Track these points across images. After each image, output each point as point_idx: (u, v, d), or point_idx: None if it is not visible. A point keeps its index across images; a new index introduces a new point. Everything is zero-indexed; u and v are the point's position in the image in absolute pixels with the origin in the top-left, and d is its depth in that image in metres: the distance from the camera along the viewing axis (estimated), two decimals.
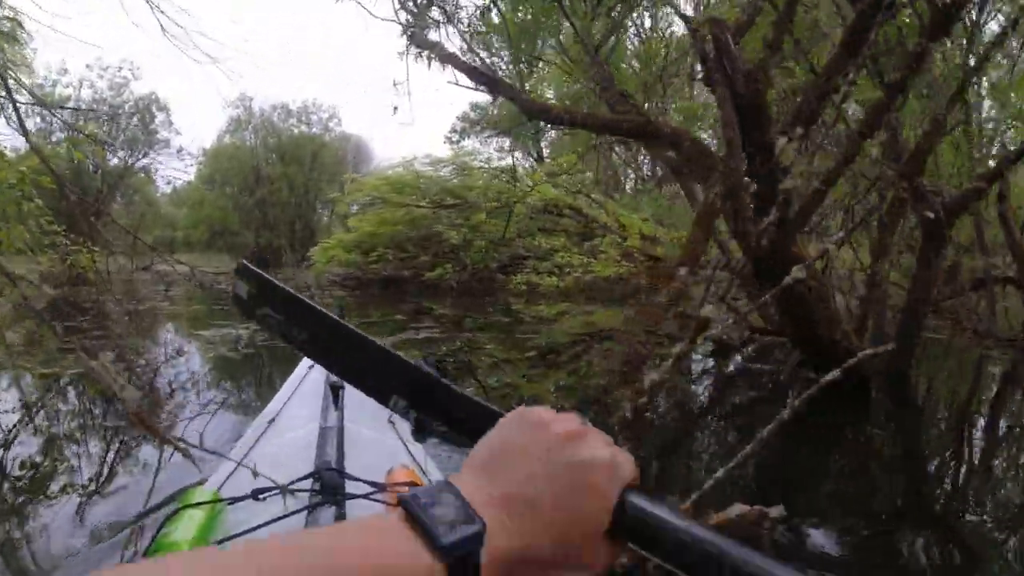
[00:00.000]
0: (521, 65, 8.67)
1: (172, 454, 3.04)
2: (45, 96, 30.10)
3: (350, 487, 0.95)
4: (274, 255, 36.35)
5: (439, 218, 15.23)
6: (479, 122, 37.11)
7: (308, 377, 1.99)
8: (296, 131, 38.06)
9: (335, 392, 1.47)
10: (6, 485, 2.93)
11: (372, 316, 10.07)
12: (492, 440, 0.43)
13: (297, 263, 32.81)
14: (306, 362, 2.14)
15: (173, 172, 35.93)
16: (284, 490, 0.92)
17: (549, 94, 19.13)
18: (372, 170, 36.65)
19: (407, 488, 0.85)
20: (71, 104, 30.58)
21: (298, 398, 1.81)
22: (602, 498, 0.40)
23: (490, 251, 14.66)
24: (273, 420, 1.61)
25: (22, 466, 3.15)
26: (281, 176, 36.79)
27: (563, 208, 16.91)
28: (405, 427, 1.21)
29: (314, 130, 38.31)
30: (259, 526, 0.81)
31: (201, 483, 1.26)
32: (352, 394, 1.40)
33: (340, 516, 0.88)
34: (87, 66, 31.42)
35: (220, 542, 0.82)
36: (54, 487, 2.83)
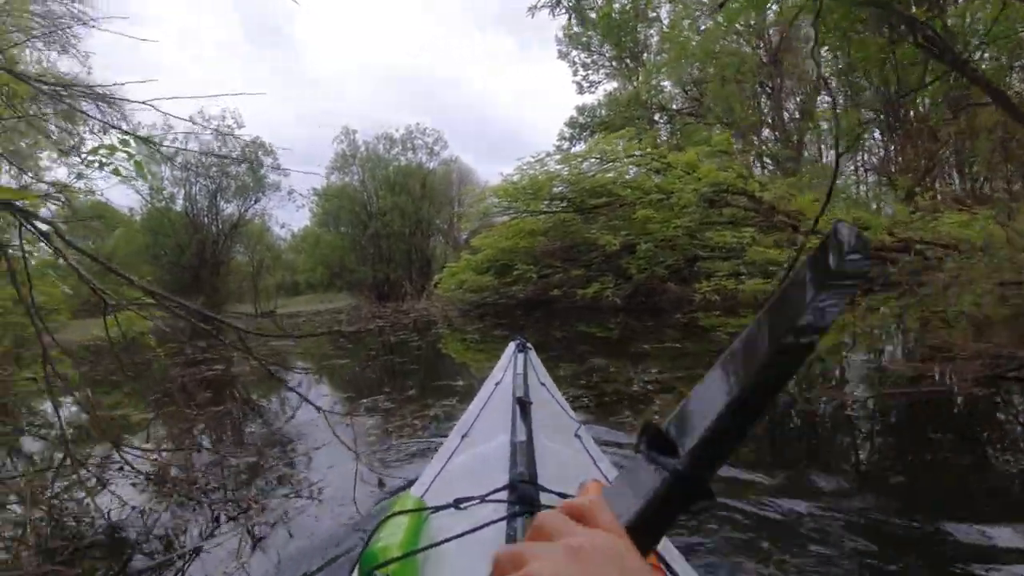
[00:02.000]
0: None
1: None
2: (152, 154, 30.57)
3: (544, 499, 0.95)
4: (392, 288, 35.15)
5: (588, 222, 12.46)
6: (588, 126, 34.78)
7: (495, 393, 2.00)
8: (402, 160, 36.92)
9: (523, 407, 1.50)
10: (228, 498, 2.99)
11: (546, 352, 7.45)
12: None
13: (417, 293, 31.16)
14: (493, 379, 2.22)
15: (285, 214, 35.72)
16: (483, 500, 0.94)
17: None
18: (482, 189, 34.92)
19: None
20: (179, 161, 30.93)
21: (488, 413, 1.82)
22: None
23: (657, 255, 11.66)
24: (466, 434, 1.63)
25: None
26: (392, 208, 35.70)
27: (732, 194, 13.70)
28: (592, 442, 1.66)
29: (420, 156, 36.99)
30: (462, 534, 0.83)
31: (405, 491, 1.24)
32: (539, 410, 1.57)
33: None
34: (189, 119, 31.55)
35: (426, 548, 0.84)
36: (280, 497, 2.99)
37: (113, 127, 4.77)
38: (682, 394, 4.01)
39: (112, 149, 4.78)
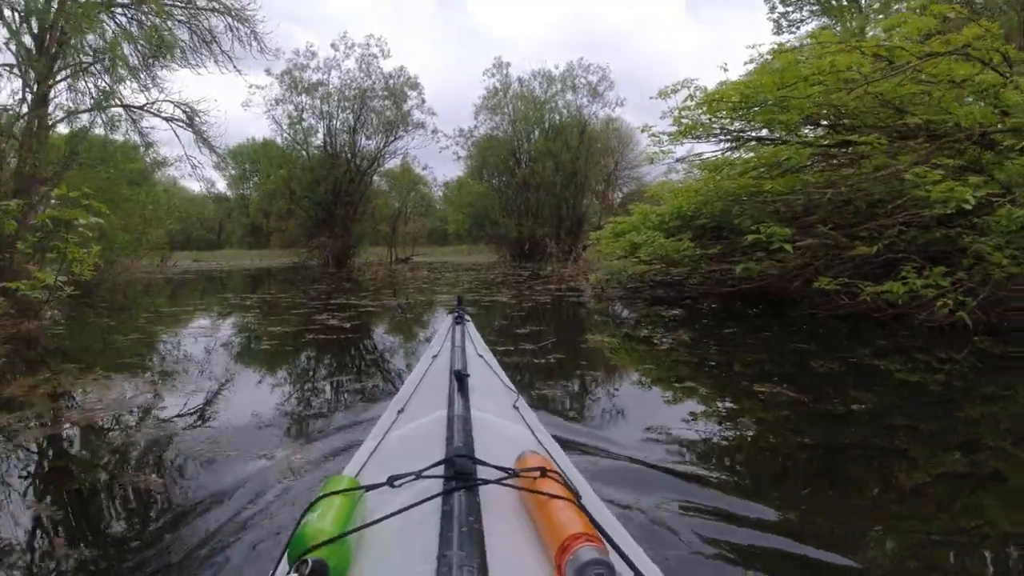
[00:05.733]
0: None
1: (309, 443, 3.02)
2: (295, 82, 28.03)
3: (482, 473, 0.94)
4: (534, 247, 30.73)
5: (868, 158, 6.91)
6: None
7: (433, 367, 1.98)
8: (560, 102, 31.89)
9: (460, 380, 1.48)
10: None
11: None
12: None
13: (564, 256, 26.44)
14: (430, 352, 2.21)
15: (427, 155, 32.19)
16: (419, 476, 0.93)
17: None
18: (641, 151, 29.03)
19: (539, 473, 0.89)
20: (321, 90, 28.23)
21: (425, 387, 1.80)
22: None
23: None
24: (402, 409, 1.63)
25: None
26: (545, 154, 30.90)
27: None
28: (531, 414, 1.56)
29: (581, 98, 31.66)
30: (397, 511, 0.82)
31: (339, 472, 1.16)
32: (476, 382, 1.56)
33: (473, 501, 0.86)
34: (332, 45, 28.91)
35: (359, 528, 0.80)
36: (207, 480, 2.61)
37: None
38: None
39: None
